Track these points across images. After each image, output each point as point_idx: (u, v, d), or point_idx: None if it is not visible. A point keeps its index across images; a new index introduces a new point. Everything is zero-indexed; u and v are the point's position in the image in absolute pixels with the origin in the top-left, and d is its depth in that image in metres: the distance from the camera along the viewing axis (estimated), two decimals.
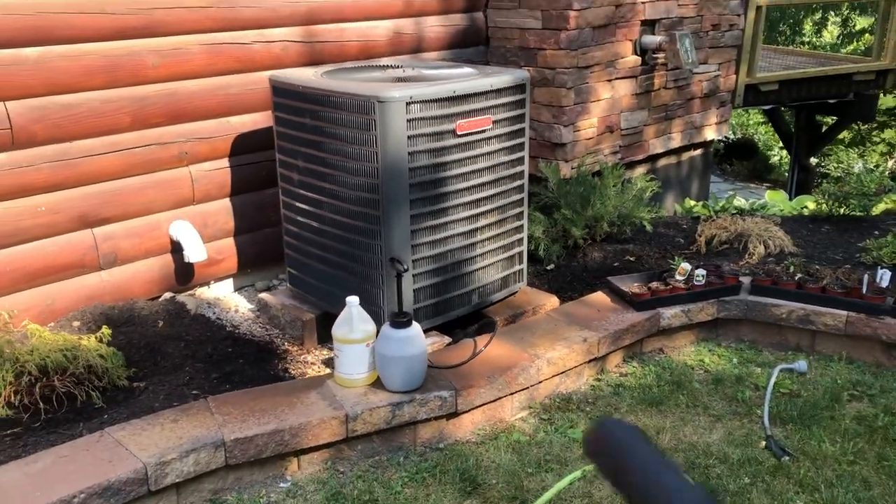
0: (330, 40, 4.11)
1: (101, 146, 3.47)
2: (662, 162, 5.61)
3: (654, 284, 3.55)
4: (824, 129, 9.17)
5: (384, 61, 3.96)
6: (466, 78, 3.32)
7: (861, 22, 15.09)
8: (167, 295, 3.80)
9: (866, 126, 13.58)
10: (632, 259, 4.21)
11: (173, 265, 3.80)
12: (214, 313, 3.81)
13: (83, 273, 3.52)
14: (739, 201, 5.37)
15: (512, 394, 2.96)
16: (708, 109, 5.70)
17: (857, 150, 15.66)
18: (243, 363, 3.28)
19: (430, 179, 3.17)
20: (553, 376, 3.09)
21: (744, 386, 3.19)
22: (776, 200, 5.79)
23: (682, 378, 3.23)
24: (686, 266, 3.53)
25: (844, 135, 13.32)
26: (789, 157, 9.37)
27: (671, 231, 4.66)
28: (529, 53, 4.69)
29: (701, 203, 5.46)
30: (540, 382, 3.05)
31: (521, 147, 3.53)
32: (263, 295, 3.80)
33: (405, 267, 2.69)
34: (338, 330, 2.73)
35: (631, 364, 3.39)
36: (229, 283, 4.08)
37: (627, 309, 3.45)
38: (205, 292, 3.98)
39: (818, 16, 15.33)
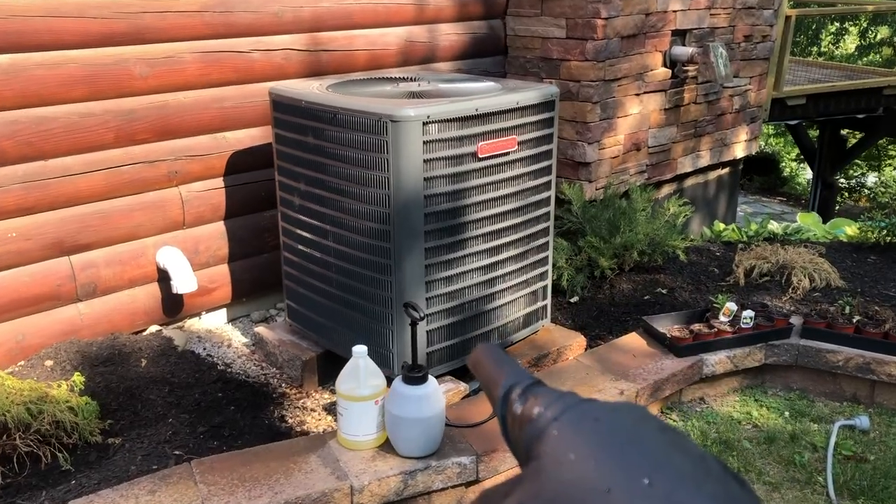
0: (336, 49, 3.75)
1: (81, 165, 3.11)
2: (690, 181, 5.25)
3: (695, 326, 3.18)
4: (849, 145, 8.80)
5: (395, 73, 3.61)
6: (489, 93, 2.96)
7: (882, 31, 14.68)
8: (153, 328, 3.44)
9: (884, 139, 13.21)
10: (663, 291, 3.85)
11: (160, 295, 3.44)
12: (205, 349, 3.45)
13: (58, 305, 3.16)
14: (773, 225, 5.00)
15: None
16: (738, 125, 5.34)
17: (871, 163, 15.29)
18: (235, 411, 2.92)
19: (448, 208, 2.81)
20: None
21: (800, 446, 2.82)
22: (809, 224, 5.43)
23: (731, 436, 2.86)
24: (732, 306, 3.16)
25: None
26: (812, 173, 9.00)
27: (703, 259, 4.30)
28: (552, 64, 4.33)
29: (731, 227, 5.09)
30: None
31: (547, 171, 3.17)
32: (259, 329, 3.43)
33: (421, 314, 2.33)
34: (343, 385, 2.37)
35: (670, 416, 3.02)
36: (222, 313, 3.72)
37: (666, 354, 3.08)
38: (195, 324, 3.61)
39: (835, 27, 14.97)
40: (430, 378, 2.38)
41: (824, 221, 5.73)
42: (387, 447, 2.45)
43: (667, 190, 5.06)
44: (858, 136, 8.74)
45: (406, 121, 2.62)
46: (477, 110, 2.79)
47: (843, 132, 8.56)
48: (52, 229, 3.09)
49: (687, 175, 5.16)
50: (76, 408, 2.52)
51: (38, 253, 3.07)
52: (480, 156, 2.84)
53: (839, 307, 3.33)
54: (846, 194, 14.29)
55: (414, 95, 2.96)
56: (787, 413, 3.05)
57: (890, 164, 15.79)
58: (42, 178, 3.01)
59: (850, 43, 15.34)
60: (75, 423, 2.47)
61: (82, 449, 2.52)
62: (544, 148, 3.11)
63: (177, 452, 2.53)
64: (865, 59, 15.37)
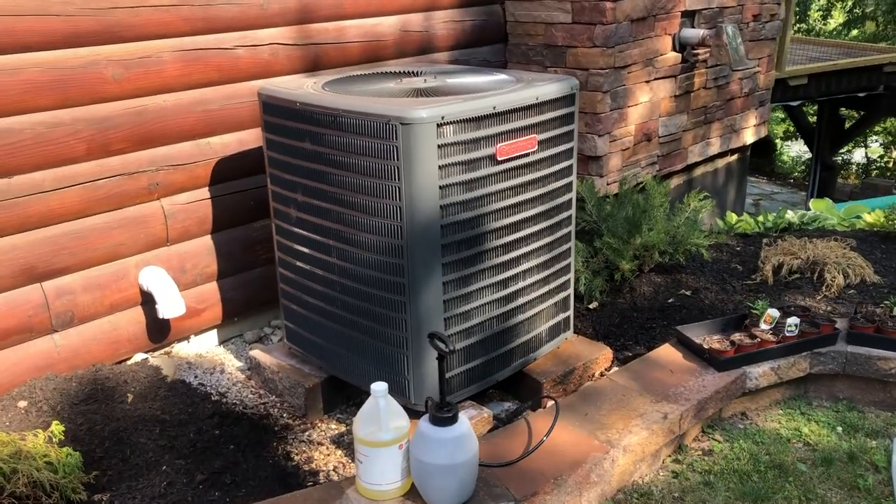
0: (328, 42, 3.44)
1: (52, 180, 2.78)
2: (699, 171, 4.99)
3: (735, 336, 2.92)
4: (848, 124, 8.58)
5: (395, 67, 3.30)
6: (504, 88, 2.67)
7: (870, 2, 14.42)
8: (138, 357, 3.13)
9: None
10: (687, 293, 3.58)
11: (145, 320, 3.12)
12: (196, 377, 3.14)
13: (31, 338, 2.84)
14: (790, 214, 4.75)
15: (581, 493, 2.32)
16: (748, 110, 5.09)
17: (857, 141, 15.14)
18: (235, 451, 2.62)
19: (466, 218, 2.52)
20: (628, 464, 2.46)
21: (860, 467, 2.57)
22: (822, 210, 5.18)
23: (783, 458, 2.60)
24: (774, 313, 2.90)
25: None
26: (811, 154, 8.78)
27: (723, 255, 4.04)
28: (557, 52, 4.04)
29: (745, 217, 4.84)
30: (613, 475, 2.41)
31: (568, 171, 2.88)
32: (255, 353, 3.13)
33: (451, 347, 2.04)
34: (362, 428, 2.08)
35: (713, 436, 2.76)
36: (213, 335, 3.41)
37: (706, 368, 2.82)
38: (184, 349, 3.30)
39: (825, 1, 14.76)
40: (462, 417, 2.10)
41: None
42: (413, 495, 2.16)
43: (676, 181, 4.80)
44: (857, 115, 8.52)
45: (419, 123, 2.32)
46: (495, 108, 2.50)
47: (842, 111, 8.34)
48: (22, 254, 2.76)
49: (696, 164, 4.89)
50: (56, 463, 2.21)
51: (6, 281, 2.74)
52: (499, 158, 2.55)
53: (887, 308, 3.08)
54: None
55: (421, 93, 2.66)
56: (839, 428, 2.80)
57: (877, 141, 15.67)
58: (7, 198, 2.69)
59: (839, 17, 15.16)
60: (55, 481, 2.16)
61: None
62: (565, 146, 2.82)
63: None
64: (849, 35, 15.19)
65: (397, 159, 2.36)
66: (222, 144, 3.21)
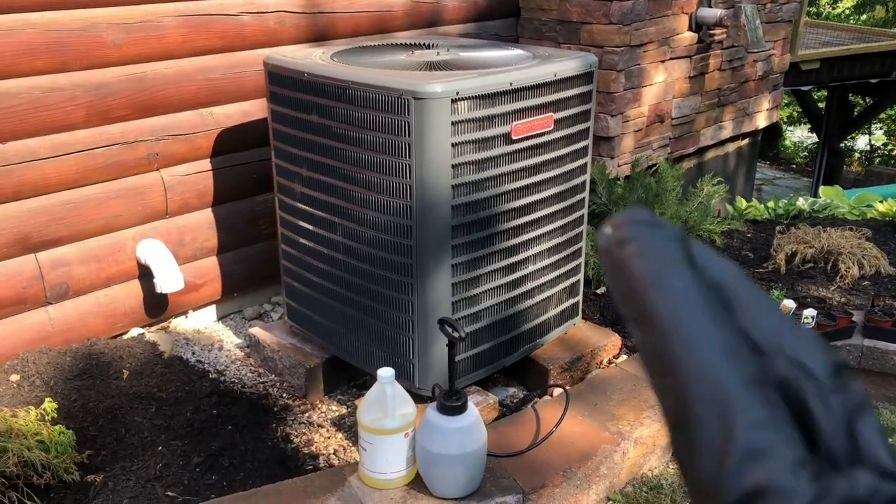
0: (337, 11, 3.32)
1: (48, 148, 2.68)
2: (710, 154, 4.89)
3: None
4: (857, 111, 8.47)
5: (406, 39, 3.19)
6: (521, 64, 2.56)
7: None
8: (135, 331, 3.04)
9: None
10: None
11: (142, 294, 3.04)
12: (194, 353, 3.06)
13: (24, 310, 2.75)
14: (800, 202, 4.66)
15: (590, 486, 2.25)
16: (761, 93, 4.98)
17: (861, 127, 15.01)
18: (233, 431, 2.54)
19: (478, 199, 2.42)
20: (638, 456, 2.39)
21: None
22: (832, 197, 5.09)
23: None
24: (790, 303, 2.82)
25: None
26: (818, 140, 8.67)
27: (735, 242, 3.96)
28: (571, 28, 3.92)
29: (754, 203, 4.75)
30: (623, 468, 2.34)
31: (584, 152, 2.79)
32: (255, 330, 3.04)
33: (462, 333, 1.95)
34: (367, 415, 2.00)
35: None
36: (212, 310, 3.33)
37: None
38: (182, 324, 3.22)
39: None
40: (471, 405, 2.02)
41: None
42: (417, 484, 2.09)
43: (687, 164, 4.70)
44: (865, 102, 8.41)
45: (432, 98, 2.22)
46: (511, 84, 2.39)
47: (851, 97, 8.22)
48: (15, 223, 2.67)
49: (708, 148, 4.80)
50: (48, 442, 2.13)
51: None
52: (514, 137, 2.45)
53: None
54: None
55: (433, 66, 2.55)
56: None
57: (881, 128, 15.54)
58: (1, 164, 2.58)
59: (848, 1, 14.97)
60: (47, 461, 2.08)
61: (56, 490, 2.14)
62: (582, 126, 2.72)
63: (170, 494, 2.16)
64: (859, 20, 15.02)
65: (409, 135, 2.27)
66: (225, 115, 3.10)
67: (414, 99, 2.23)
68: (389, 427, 1.99)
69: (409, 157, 2.29)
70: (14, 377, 2.62)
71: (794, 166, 14.46)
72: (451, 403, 1.98)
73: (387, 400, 1.99)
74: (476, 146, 2.37)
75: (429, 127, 2.25)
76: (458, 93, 2.26)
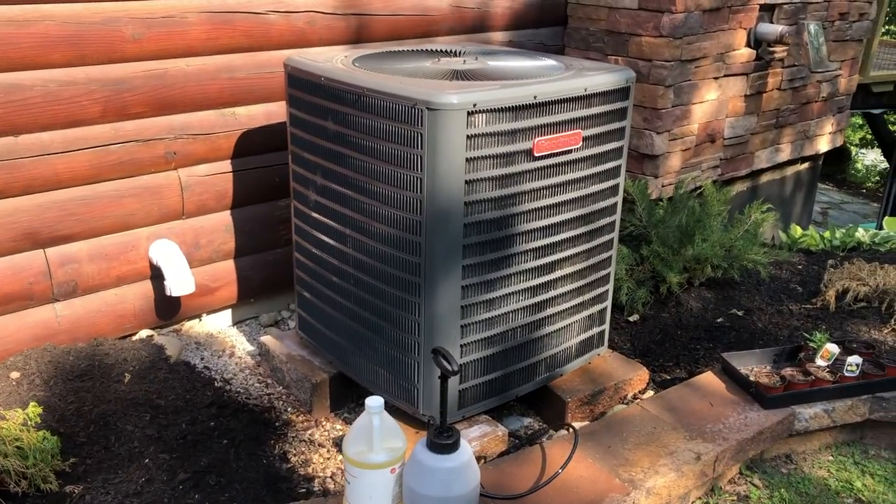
0: (372, 13, 3.21)
1: (61, 142, 2.63)
2: (765, 178, 4.64)
3: (787, 371, 2.62)
4: None
5: (436, 45, 3.06)
6: (550, 77, 2.40)
7: None
8: (143, 333, 2.97)
9: None
10: (739, 314, 3.28)
11: (154, 295, 2.97)
12: (202, 359, 2.98)
13: (30, 306, 2.70)
14: (860, 233, 4.37)
15: None
16: (824, 116, 4.70)
17: None
18: (227, 446, 2.44)
19: (494, 218, 2.27)
20: None
21: None
22: None
23: None
24: (833, 348, 2.59)
25: None
26: (889, 167, 8.25)
27: (783, 273, 3.71)
28: (619, 39, 3.74)
29: (811, 232, 4.48)
30: None
31: (615, 172, 2.61)
32: (266, 339, 2.94)
33: (455, 367, 1.81)
34: (352, 447, 1.87)
35: (752, 480, 2.48)
36: (227, 314, 3.24)
37: (750, 404, 2.53)
38: (194, 327, 3.14)
39: None
40: (463, 444, 1.87)
41: None
42: None
43: (739, 187, 4.46)
44: None
45: (447, 109, 2.08)
46: (535, 98, 2.24)
47: None
48: (25, 217, 2.62)
49: (763, 171, 4.54)
50: (27, 449, 2.05)
51: (6, 245, 2.60)
52: (536, 154, 2.29)
53: None
54: None
55: (457, 75, 2.41)
56: None
57: None
58: (13, 157, 2.54)
59: None
60: (23, 470, 2.00)
61: (33, 499, 2.06)
62: (614, 145, 2.55)
63: None
64: None
65: (421, 147, 2.13)
66: (248, 116, 3.01)
67: (427, 109, 2.09)
68: (373, 461, 1.85)
69: (421, 170, 2.15)
70: (14, 374, 2.57)
71: (864, 191, 13.86)
72: (442, 441, 1.83)
73: (373, 433, 1.86)
74: (494, 162, 2.22)
75: (442, 139, 2.11)
76: (475, 105, 2.12)
